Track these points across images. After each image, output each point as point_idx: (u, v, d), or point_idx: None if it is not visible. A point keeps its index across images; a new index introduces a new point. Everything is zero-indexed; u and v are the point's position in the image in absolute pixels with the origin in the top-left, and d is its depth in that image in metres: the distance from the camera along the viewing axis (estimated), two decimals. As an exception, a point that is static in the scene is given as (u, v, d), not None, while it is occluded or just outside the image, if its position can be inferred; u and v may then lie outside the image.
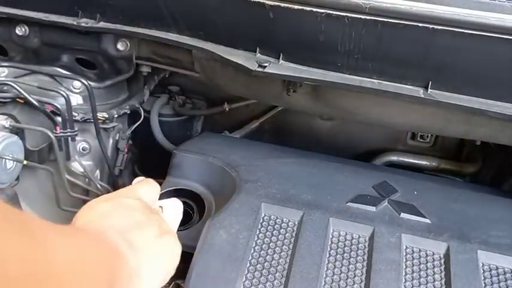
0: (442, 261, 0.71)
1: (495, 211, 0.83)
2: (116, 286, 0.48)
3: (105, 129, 1.08)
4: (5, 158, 0.87)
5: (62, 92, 0.96)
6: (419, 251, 0.73)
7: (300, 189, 0.82)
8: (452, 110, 0.80)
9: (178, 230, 0.82)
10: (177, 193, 0.90)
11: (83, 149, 1.07)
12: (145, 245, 0.55)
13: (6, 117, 0.95)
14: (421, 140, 1.26)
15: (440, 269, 0.70)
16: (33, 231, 0.38)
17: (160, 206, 0.68)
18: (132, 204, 0.59)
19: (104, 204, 0.57)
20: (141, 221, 0.57)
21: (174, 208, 0.69)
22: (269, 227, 0.75)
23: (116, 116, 1.08)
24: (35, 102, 0.94)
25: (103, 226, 0.53)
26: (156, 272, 0.56)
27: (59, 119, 0.96)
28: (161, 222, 0.61)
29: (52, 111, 0.96)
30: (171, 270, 0.60)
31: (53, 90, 0.98)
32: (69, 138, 0.98)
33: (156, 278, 0.56)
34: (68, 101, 0.96)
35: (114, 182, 1.12)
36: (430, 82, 0.76)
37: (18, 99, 0.98)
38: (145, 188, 0.65)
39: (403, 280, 0.68)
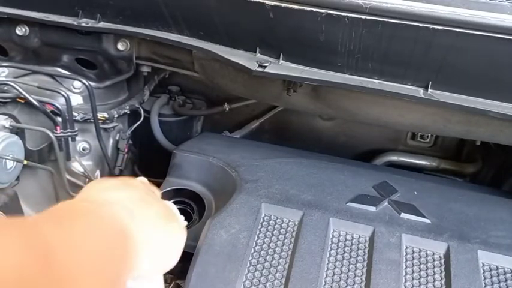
0: (442, 261, 0.71)
1: (495, 211, 0.83)
2: (125, 263, 0.47)
3: (105, 129, 1.08)
4: (5, 158, 0.87)
5: (62, 92, 0.96)
6: (420, 251, 0.73)
7: (300, 189, 0.82)
8: (452, 110, 0.80)
9: None
10: (177, 193, 0.90)
11: (83, 149, 1.07)
12: (147, 221, 0.54)
13: (6, 117, 0.95)
14: (421, 140, 1.26)
15: (441, 269, 0.70)
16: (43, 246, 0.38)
17: None
18: (136, 183, 0.60)
19: (110, 181, 0.58)
20: (146, 198, 0.57)
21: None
22: (269, 227, 0.75)
23: (116, 116, 1.08)
24: (35, 102, 0.94)
25: (108, 198, 0.53)
26: (160, 253, 0.55)
27: (59, 119, 0.96)
28: (168, 207, 0.60)
29: (52, 111, 0.96)
30: (175, 256, 0.58)
31: (53, 90, 0.98)
32: (69, 138, 0.98)
33: (159, 259, 0.55)
34: (68, 101, 0.96)
35: (114, 182, 1.12)
36: (430, 82, 0.76)
37: (18, 99, 0.98)
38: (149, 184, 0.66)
39: (403, 280, 0.68)
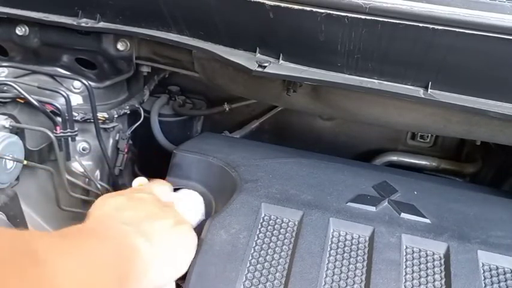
0: (442, 261, 0.71)
1: (495, 211, 0.83)
2: (128, 279, 0.48)
3: (105, 129, 1.08)
4: (5, 158, 0.87)
5: (62, 92, 0.96)
6: (419, 251, 0.73)
7: (300, 189, 0.82)
8: (452, 110, 0.80)
9: None
10: (177, 193, 0.90)
11: (83, 149, 1.07)
12: (159, 235, 0.56)
13: (6, 117, 0.95)
14: (421, 140, 1.26)
15: (440, 269, 0.70)
16: (36, 260, 0.39)
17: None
18: (144, 197, 0.62)
19: (117, 198, 0.59)
20: (154, 212, 0.59)
21: (189, 199, 0.69)
22: (269, 227, 0.75)
23: (115, 116, 1.08)
24: (35, 102, 0.94)
25: (117, 219, 0.55)
26: (170, 263, 0.57)
27: (59, 119, 0.96)
28: (175, 213, 0.62)
29: (52, 111, 0.96)
30: (186, 262, 0.60)
31: (53, 90, 0.98)
32: (69, 138, 0.98)
33: (170, 269, 0.57)
34: (68, 101, 0.96)
35: (114, 182, 1.12)
36: (430, 82, 0.76)
37: (18, 99, 0.98)
38: (158, 186, 0.67)
39: (403, 280, 0.68)
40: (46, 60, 1.04)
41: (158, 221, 0.58)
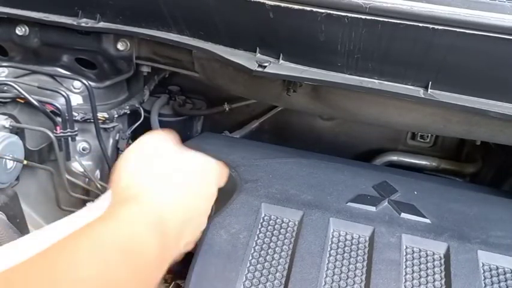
0: (442, 261, 0.71)
1: (495, 211, 0.83)
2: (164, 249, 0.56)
3: (105, 129, 1.08)
4: (5, 158, 0.87)
5: (62, 92, 0.96)
6: (420, 251, 0.73)
7: (300, 189, 0.82)
8: (452, 110, 0.80)
9: None
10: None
11: (83, 149, 1.07)
12: (179, 201, 0.64)
13: (6, 117, 0.95)
14: (421, 140, 1.26)
15: (440, 269, 0.70)
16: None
17: None
18: (165, 152, 0.71)
19: (140, 159, 0.68)
20: (177, 170, 0.68)
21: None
22: (269, 227, 0.75)
23: (116, 116, 1.08)
24: (35, 102, 0.94)
25: (142, 186, 0.62)
26: (196, 227, 0.68)
27: (59, 119, 0.96)
28: (197, 162, 0.73)
29: (52, 111, 0.96)
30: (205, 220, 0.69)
31: (53, 90, 0.98)
32: (69, 138, 0.98)
33: (196, 231, 0.68)
34: (68, 101, 0.96)
35: (114, 182, 1.12)
36: (430, 82, 0.76)
37: (18, 99, 0.98)
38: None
39: (403, 280, 0.68)
40: (46, 60, 1.05)
41: (183, 184, 0.66)
